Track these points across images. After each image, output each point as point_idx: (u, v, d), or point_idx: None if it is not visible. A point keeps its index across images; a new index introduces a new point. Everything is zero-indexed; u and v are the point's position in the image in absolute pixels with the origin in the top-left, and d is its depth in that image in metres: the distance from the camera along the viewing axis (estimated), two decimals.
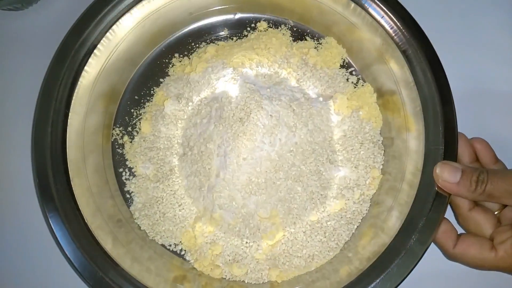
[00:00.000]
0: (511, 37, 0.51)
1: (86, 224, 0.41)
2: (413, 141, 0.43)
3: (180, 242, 0.45)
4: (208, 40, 0.51)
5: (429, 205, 0.39)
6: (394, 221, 0.41)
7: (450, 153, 0.40)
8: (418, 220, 0.39)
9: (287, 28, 0.50)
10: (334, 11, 0.47)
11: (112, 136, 0.48)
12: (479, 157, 0.43)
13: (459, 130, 0.41)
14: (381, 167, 0.46)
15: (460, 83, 0.44)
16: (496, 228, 0.40)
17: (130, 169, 0.47)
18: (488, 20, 0.52)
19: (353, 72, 0.49)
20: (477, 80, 0.50)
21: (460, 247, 0.39)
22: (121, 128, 0.48)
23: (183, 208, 0.46)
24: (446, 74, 0.42)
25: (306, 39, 0.50)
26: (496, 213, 0.41)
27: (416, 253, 0.38)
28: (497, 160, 0.42)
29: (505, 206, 0.41)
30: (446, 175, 0.38)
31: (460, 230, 0.42)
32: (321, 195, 0.45)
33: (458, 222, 0.42)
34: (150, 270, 0.42)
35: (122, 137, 0.48)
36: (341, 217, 0.45)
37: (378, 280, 0.38)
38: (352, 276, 0.40)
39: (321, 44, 0.50)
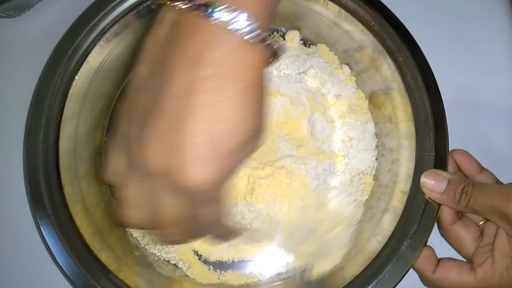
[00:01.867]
0: (503, 43, 0.51)
1: (78, 232, 0.41)
2: (404, 147, 0.43)
3: None
4: None
5: (420, 211, 0.39)
6: (386, 227, 0.41)
7: (440, 160, 0.40)
8: (410, 226, 0.39)
9: (280, 36, 0.51)
10: (326, 19, 0.47)
11: (105, 143, 0.48)
12: (462, 168, 0.42)
13: (449, 136, 0.41)
14: (373, 173, 0.46)
15: (451, 90, 0.44)
16: (476, 249, 0.39)
17: None
18: (479, 27, 0.52)
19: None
20: (469, 86, 0.50)
21: (439, 272, 0.39)
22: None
23: None
24: (437, 80, 0.42)
25: None
26: (480, 223, 0.40)
27: (408, 259, 0.38)
28: (481, 169, 0.41)
29: None
30: (431, 185, 0.38)
31: (443, 243, 0.42)
32: None
33: (441, 234, 0.42)
34: (142, 277, 0.42)
35: None
36: None
37: (370, 287, 0.38)
38: (344, 282, 0.40)
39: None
